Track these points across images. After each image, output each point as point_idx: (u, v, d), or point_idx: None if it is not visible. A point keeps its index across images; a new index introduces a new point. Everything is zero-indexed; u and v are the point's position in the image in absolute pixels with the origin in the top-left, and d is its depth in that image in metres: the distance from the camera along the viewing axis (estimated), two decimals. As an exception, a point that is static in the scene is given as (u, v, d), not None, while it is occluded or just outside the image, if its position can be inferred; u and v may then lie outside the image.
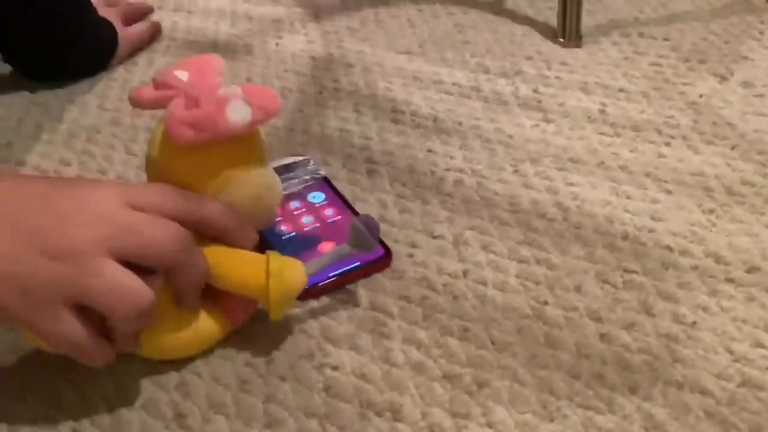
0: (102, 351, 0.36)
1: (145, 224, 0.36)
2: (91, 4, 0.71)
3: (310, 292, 0.45)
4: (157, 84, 0.40)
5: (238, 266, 0.40)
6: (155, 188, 0.39)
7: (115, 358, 0.38)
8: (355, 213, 0.52)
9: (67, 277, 0.33)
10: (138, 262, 0.35)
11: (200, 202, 0.39)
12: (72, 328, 0.34)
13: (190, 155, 0.40)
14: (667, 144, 0.59)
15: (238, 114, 0.38)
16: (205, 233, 0.39)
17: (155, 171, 0.41)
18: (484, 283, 0.47)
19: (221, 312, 0.42)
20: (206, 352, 0.42)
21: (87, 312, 0.35)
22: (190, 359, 0.42)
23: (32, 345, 0.38)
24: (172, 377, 0.41)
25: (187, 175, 0.40)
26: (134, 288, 0.34)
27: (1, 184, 0.36)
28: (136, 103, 0.40)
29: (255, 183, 0.41)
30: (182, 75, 0.40)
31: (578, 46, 0.75)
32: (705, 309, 0.44)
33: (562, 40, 0.75)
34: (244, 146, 0.41)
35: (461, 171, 0.57)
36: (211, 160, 0.40)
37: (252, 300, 0.42)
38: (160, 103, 0.39)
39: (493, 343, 0.43)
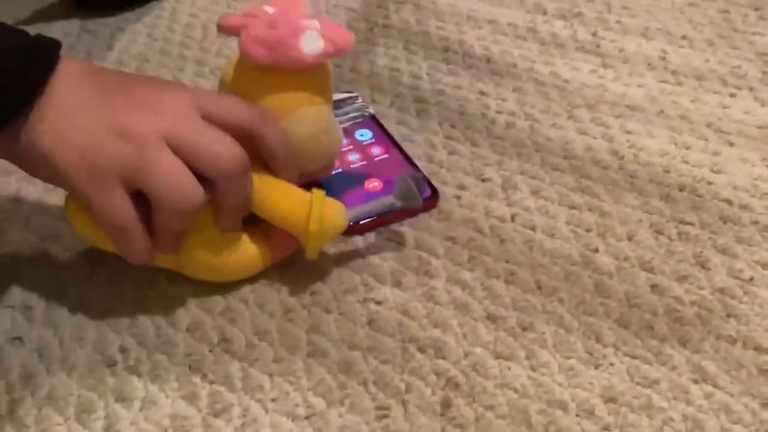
0: (143, 242, 0.37)
1: (209, 134, 0.37)
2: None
3: (354, 229, 0.45)
4: (244, 14, 0.41)
5: (282, 199, 0.40)
6: (226, 99, 0.40)
7: (152, 258, 0.38)
8: (404, 153, 0.51)
9: (130, 156, 0.35)
10: (194, 166, 0.36)
11: (264, 120, 0.39)
12: (123, 205, 0.36)
13: (258, 79, 0.40)
14: (732, 95, 0.57)
15: (310, 44, 0.39)
16: (257, 152, 0.39)
17: (225, 89, 0.42)
18: (533, 228, 0.46)
19: (264, 243, 0.42)
20: (252, 281, 0.42)
21: (139, 206, 0.36)
22: (236, 286, 0.42)
23: (71, 219, 0.39)
24: (219, 302, 0.41)
25: (253, 99, 0.40)
26: (188, 183, 0.36)
27: (87, 68, 0.38)
28: (220, 27, 0.41)
29: (315, 123, 0.41)
30: (268, 8, 0.41)
31: (642, -11, 0.71)
32: (764, 265, 0.43)
33: (625, -18, 0.71)
34: (312, 83, 0.41)
35: (513, 114, 0.55)
36: (278, 89, 0.40)
37: (293, 236, 0.42)
38: (239, 30, 0.40)
39: (539, 287, 0.42)
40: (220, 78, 0.44)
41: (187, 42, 0.65)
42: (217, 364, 0.39)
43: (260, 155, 0.40)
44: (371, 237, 0.45)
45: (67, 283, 0.43)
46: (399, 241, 0.45)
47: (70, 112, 0.36)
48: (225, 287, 0.42)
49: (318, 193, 0.40)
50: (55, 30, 0.67)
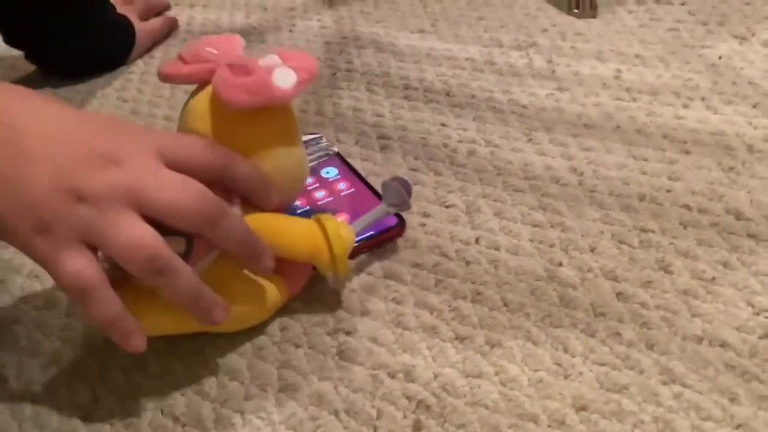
0: (109, 300, 0.34)
1: (174, 184, 0.35)
2: (109, 2, 0.73)
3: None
4: (187, 59, 0.41)
5: (289, 231, 0.41)
6: (190, 141, 0.39)
7: (122, 319, 0.35)
8: (370, 186, 0.52)
9: (87, 220, 0.33)
10: (164, 221, 0.35)
11: (232, 158, 0.39)
12: (85, 266, 0.33)
13: (234, 123, 0.40)
14: (686, 106, 0.58)
15: (285, 79, 0.39)
16: (233, 189, 0.39)
17: (186, 131, 0.41)
18: (497, 248, 0.46)
19: (279, 279, 0.42)
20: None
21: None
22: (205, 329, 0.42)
23: None
24: (190, 347, 0.42)
25: (230, 142, 0.39)
26: (147, 242, 0.34)
27: (45, 121, 0.36)
28: (170, 77, 0.40)
29: (294, 154, 0.42)
30: (211, 49, 0.41)
31: (593, 16, 0.74)
32: (725, 264, 0.43)
33: (576, 11, 0.74)
34: (285, 118, 0.42)
35: (474, 142, 0.57)
36: (255, 129, 0.40)
37: (305, 265, 0.42)
38: (195, 77, 0.40)
39: (506, 305, 0.42)
40: (184, 127, 0.42)
41: (156, 101, 0.67)
42: (188, 406, 0.39)
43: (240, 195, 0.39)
44: (339, 270, 0.46)
45: (40, 339, 0.43)
46: (367, 272, 0.46)
47: (11, 160, 0.33)
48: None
49: (323, 217, 0.41)
50: (28, 100, 0.69)
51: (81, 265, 0.34)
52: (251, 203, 0.40)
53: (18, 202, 0.33)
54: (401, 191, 0.43)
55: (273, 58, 0.40)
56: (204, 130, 0.40)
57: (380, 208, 0.44)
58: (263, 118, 0.40)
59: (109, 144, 0.36)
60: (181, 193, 0.35)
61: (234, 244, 0.37)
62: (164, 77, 0.40)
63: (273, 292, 0.41)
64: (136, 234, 0.34)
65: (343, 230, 0.41)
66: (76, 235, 0.34)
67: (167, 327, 0.39)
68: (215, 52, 0.41)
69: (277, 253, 0.40)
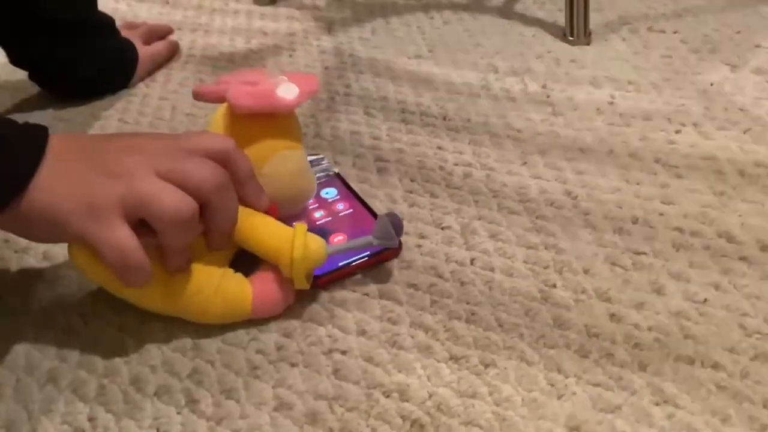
0: (144, 266, 0.39)
1: (192, 161, 0.41)
2: (114, 26, 0.74)
3: (319, 282, 0.46)
4: (216, 84, 0.48)
5: (266, 230, 0.44)
6: (201, 133, 0.45)
7: (150, 278, 0.40)
8: (368, 208, 0.52)
9: (124, 189, 0.39)
10: (181, 186, 0.39)
11: (236, 148, 0.43)
12: (126, 236, 0.39)
13: (243, 128, 0.46)
14: (678, 131, 0.59)
15: (288, 91, 0.45)
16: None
17: None
18: (492, 269, 0.47)
19: (248, 292, 0.44)
20: (219, 339, 0.43)
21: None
22: (204, 347, 0.43)
23: (78, 266, 0.42)
24: (186, 365, 0.42)
25: (240, 146, 0.44)
26: (178, 196, 0.39)
27: (72, 137, 0.43)
28: (198, 94, 0.47)
29: (297, 160, 0.47)
30: (237, 77, 0.48)
31: (587, 43, 0.75)
32: (717, 287, 0.44)
33: (571, 38, 0.76)
34: (288, 130, 0.47)
35: (470, 165, 0.57)
36: (260, 135, 0.46)
37: (276, 288, 0.44)
38: (218, 94, 0.46)
39: (500, 325, 0.43)
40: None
41: (157, 123, 0.68)
42: (184, 425, 0.39)
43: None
44: (335, 290, 0.46)
45: (37, 357, 0.43)
46: (363, 293, 0.46)
47: (64, 173, 0.40)
48: (192, 350, 0.43)
49: (300, 226, 0.43)
50: (31, 119, 0.70)
51: (121, 235, 0.39)
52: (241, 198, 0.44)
53: (66, 196, 0.39)
54: (388, 228, 0.44)
55: (281, 78, 0.46)
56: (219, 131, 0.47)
57: (365, 239, 0.45)
58: (267, 125, 0.46)
59: (136, 142, 0.43)
60: (197, 165, 0.41)
61: (223, 223, 0.42)
62: (194, 94, 0.48)
63: (235, 298, 0.43)
64: (163, 187, 0.40)
65: (312, 243, 0.43)
66: (116, 207, 0.38)
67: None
68: (239, 78, 0.47)
69: (246, 246, 0.44)
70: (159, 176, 0.39)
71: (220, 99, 0.46)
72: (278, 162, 0.46)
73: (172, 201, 0.39)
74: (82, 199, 0.39)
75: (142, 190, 0.39)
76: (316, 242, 0.43)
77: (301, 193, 0.49)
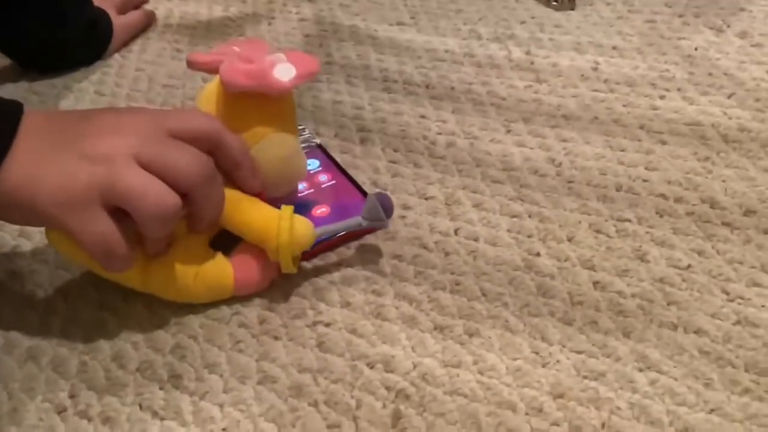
0: (126, 256, 0.38)
1: (174, 147, 0.39)
2: (85, -5, 0.72)
3: (303, 256, 0.45)
4: (212, 54, 0.45)
5: (253, 213, 0.42)
6: (186, 111, 0.43)
7: (131, 264, 0.39)
8: (351, 179, 0.52)
9: (101, 176, 0.36)
10: (165, 179, 0.37)
11: (224, 128, 0.42)
12: (107, 225, 0.37)
13: (234, 108, 0.43)
14: (662, 97, 0.59)
15: (284, 72, 0.42)
16: (220, 162, 0.41)
17: None
18: (476, 239, 0.46)
19: (230, 271, 0.43)
20: (203, 316, 0.43)
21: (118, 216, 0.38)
22: (186, 323, 0.42)
23: (55, 244, 0.40)
24: (168, 340, 0.41)
25: (229, 126, 0.42)
26: (160, 190, 0.37)
27: (49, 114, 0.41)
28: (193, 63, 0.44)
29: (286, 145, 0.45)
30: (235, 47, 0.45)
31: (572, 8, 0.74)
32: (700, 252, 0.44)
33: (555, 3, 0.74)
34: (282, 111, 0.45)
35: (453, 134, 0.57)
36: (252, 115, 0.43)
37: (258, 266, 0.43)
38: (213, 65, 0.43)
39: (484, 294, 0.43)
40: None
41: (134, 95, 0.66)
42: (167, 400, 0.38)
43: (225, 171, 0.42)
44: (319, 263, 0.46)
45: (17, 336, 0.43)
46: (346, 265, 0.46)
47: (40, 154, 0.37)
48: (174, 325, 0.42)
49: (286, 208, 0.42)
50: (2, 93, 0.68)
51: (100, 226, 0.37)
52: (233, 181, 0.42)
53: (43, 181, 0.37)
54: (378, 209, 0.43)
55: (279, 56, 0.43)
56: (208, 110, 0.44)
57: (354, 220, 0.44)
58: (260, 106, 0.43)
59: (114, 121, 0.40)
60: (181, 153, 0.39)
61: (207, 212, 0.40)
62: (188, 63, 0.44)
63: (216, 278, 0.42)
64: (143, 179, 0.37)
65: (299, 226, 0.42)
66: (94, 195, 0.36)
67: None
68: (236, 49, 0.44)
69: (231, 228, 0.42)
70: (141, 164, 0.37)
71: (214, 71, 0.44)
72: (267, 145, 0.44)
73: (155, 197, 0.37)
74: (60, 185, 0.37)
75: (123, 184, 0.37)
76: (302, 225, 0.42)
77: (289, 178, 0.46)
